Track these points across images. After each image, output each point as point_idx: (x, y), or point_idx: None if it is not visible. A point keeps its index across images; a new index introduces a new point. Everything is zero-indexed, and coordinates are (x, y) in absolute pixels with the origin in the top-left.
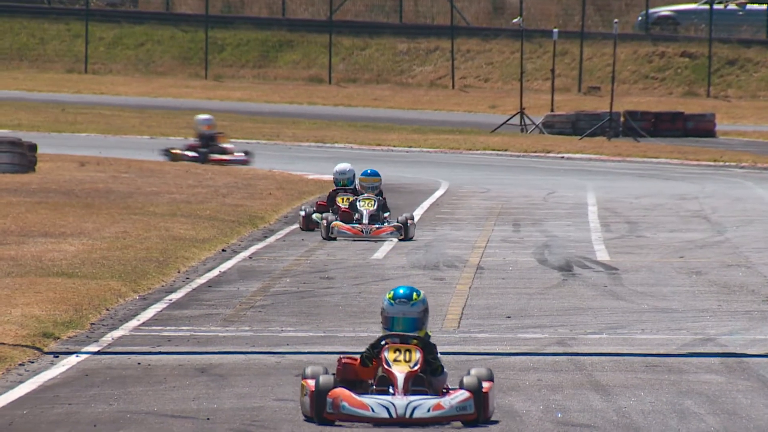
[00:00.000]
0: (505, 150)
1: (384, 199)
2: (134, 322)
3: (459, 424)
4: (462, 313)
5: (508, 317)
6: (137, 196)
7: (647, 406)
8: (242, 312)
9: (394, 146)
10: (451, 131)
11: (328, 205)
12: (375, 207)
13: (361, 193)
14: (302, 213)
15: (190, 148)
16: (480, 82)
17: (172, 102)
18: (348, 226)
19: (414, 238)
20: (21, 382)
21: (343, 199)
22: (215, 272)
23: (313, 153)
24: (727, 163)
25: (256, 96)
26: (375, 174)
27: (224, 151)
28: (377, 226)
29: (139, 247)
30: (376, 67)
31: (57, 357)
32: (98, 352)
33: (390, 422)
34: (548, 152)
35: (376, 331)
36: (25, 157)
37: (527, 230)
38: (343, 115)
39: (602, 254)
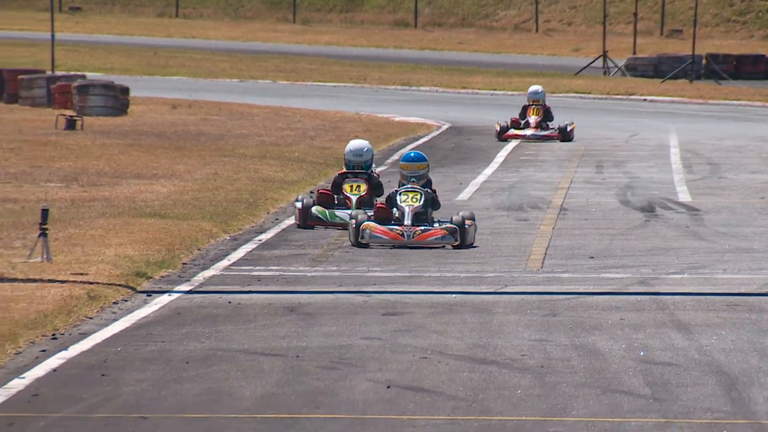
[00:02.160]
0: (588, 92)
1: (434, 191)
2: (225, 262)
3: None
4: (545, 254)
5: (591, 257)
6: (227, 139)
7: (728, 345)
8: (330, 252)
9: (479, 89)
10: (534, 74)
11: (332, 193)
12: (421, 203)
13: (402, 184)
14: (298, 205)
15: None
16: (563, 25)
17: (260, 46)
18: (384, 228)
19: (474, 244)
20: (115, 320)
21: (351, 186)
22: None
23: (399, 96)
24: None
25: (343, 40)
26: (421, 158)
27: (526, 125)
28: (423, 228)
29: (229, 189)
30: (461, 11)
31: (150, 296)
32: (190, 291)
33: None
34: (631, 95)
35: (460, 271)
36: (117, 99)
37: (610, 172)
38: (429, 59)
39: (684, 195)
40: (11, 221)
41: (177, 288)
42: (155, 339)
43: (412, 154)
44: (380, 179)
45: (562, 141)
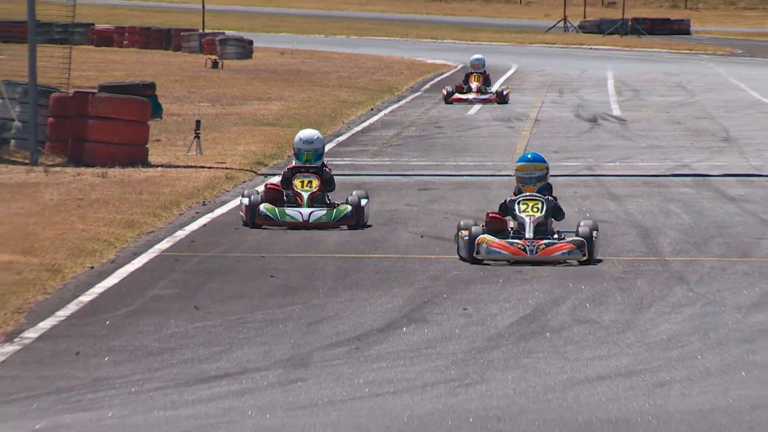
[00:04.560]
0: (554, 43)
1: (554, 198)
2: None
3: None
4: (525, 150)
5: (555, 152)
6: (316, 74)
7: (645, 209)
8: (384, 149)
9: (482, 41)
10: (519, 32)
11: (282, 188)
12: (543, 213)
13: (519, 191)
14: (245, 202)
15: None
16: None
17: (338, 13)
18: (503, 242)
19: (599, 258)
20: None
21: (302, 182)
22: (366, 123)
23: (430, 46)
24: (697, 52)
25: (392, 8)
26: (539, 159)
27: (468, 90)
28: (547, 242)
29: (318, 107)
30: None
31: (266, 177)
32: None
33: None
34: (582, 44)
35: (469, 162)
36: (245, 48)
37: (568, 96)
38: (449, 21)
39: (617, 111)
40: (176, 128)
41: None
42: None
43: (530, 155)
44: (332, 173)
45: (498, 104)
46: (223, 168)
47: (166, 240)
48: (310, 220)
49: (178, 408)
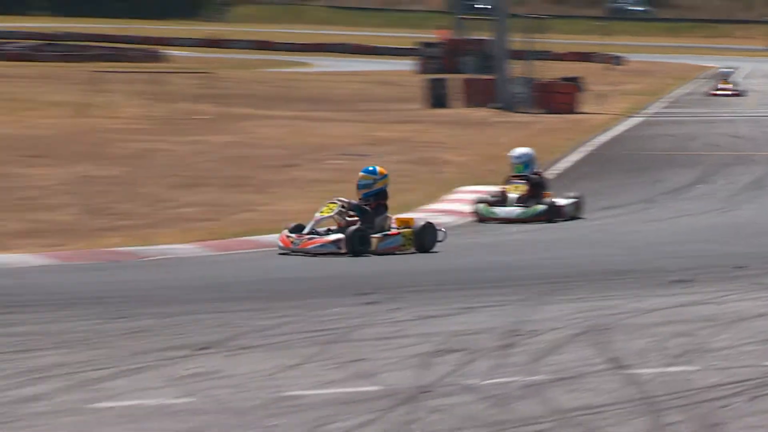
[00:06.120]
0: (765, 56)
1: (380, 205)
2: (654, 108)
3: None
4: (757, 103)
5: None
6: (655, 73)
7: None
8: (684, 105)
9: (726, 56)
10: (742, 51)
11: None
12: (333, 213)
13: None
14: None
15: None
16: None
17: (658, 43)
18: (282, 236)
19: (434, 251)
20: (613, 127)
21: (514, 187)
22: (675, 93)
23: (703, 59)
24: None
25: (687, 41)
26: (370, 172)
27: (722, 89)
28: (308, 237)
29: (653, 87)
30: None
31: (629, 118)
32: (646, 116)
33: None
34: None
35: (727, 110)
36: (622, 60)
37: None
38: (709, 46)
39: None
40: (591, 96)
41: (640, 115)
42: (630, 138)
43: (370, 168)
44: (541, 178)
45: (739, 96)
46: (613, 114)
47: (589, 143)
48: (510, 216)
49: None
